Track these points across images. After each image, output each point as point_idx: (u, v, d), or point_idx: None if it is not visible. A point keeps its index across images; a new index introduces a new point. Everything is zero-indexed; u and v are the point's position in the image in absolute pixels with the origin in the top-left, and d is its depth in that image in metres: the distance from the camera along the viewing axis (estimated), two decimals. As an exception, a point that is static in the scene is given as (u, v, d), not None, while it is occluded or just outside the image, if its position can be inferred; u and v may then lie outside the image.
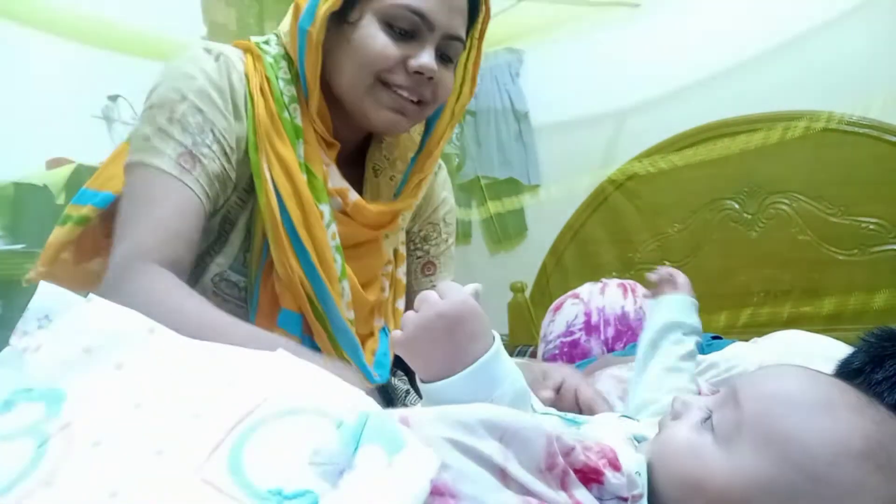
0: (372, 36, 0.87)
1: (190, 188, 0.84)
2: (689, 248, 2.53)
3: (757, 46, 2.45)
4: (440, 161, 1.15)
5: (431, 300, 0.57)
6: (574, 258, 2.71)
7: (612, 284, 1.75)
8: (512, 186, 2.92)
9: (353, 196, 0.96)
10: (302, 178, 0.90)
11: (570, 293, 1.79)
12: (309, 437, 0.42)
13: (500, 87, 2.87)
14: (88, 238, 0.94)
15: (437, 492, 0.41)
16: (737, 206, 2.46)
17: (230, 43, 0.96)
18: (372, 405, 0.47)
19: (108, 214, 0.91)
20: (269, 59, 0.92)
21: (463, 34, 0.93)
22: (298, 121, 0.91)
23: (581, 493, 0.48)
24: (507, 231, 3.00)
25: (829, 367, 0.93)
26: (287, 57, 0.93)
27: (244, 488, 0.40)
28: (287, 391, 0.46)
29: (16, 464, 0.42)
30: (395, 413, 0.47)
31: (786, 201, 2.39)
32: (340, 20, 0.89)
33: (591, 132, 2.77)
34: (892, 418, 0.53)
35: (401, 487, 0.40)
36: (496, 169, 2.92)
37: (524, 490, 0.45)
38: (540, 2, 2.38)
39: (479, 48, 1.00)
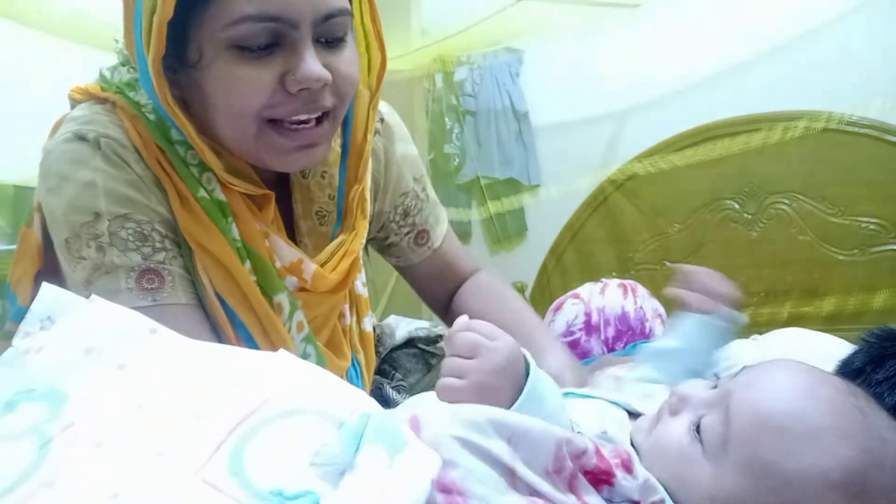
0: (229, 73, 0.66)
1: (169, 304, 0.71)
2: (689, 248, 2.53)
3: (757, 46, 2.45)
4: (381, 111, 0.94)
5: (488, 346, 0.58)
6: (574, 258, 2.71)
7: (613, 284, 1.75)
8: (512, 186, 2.91)
9: (310, 267, 0.79)
10: (247, 277, 0.73)
11: (570, 293, 1.79)
12: (310, 437, 0.42)
13: (499, 87, 2.87)
14: None
15: (444, 490, 0.41)
16: (737, 206, 2.46)
17: None
18: (373, 405, 0.47)
19: None
20: (151, 117, 0.73)
21: (340, 3, 0.70)
22: (218, 193, 0.73)
23: (591, 496, 0.48)
24: (507, 231, 2.99)
25: (830, 365, 0.93)
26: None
27: (245, 489, 0.40)
28: (288, 392, 0.46)
29: (18, 464, 0.42)
30: (406, 414, 0.47)
31: (786, 201, 2.39)
32: (181, 65, 0.69)
33: (591, 132, 2.76)
34: (888, 430, 0.54)
35: (402, 488, 0.40)
36: (496, 169, 2.91)
37: (531, 491, 0.45)
38: (540, 1, 2.38)
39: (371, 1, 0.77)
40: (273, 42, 0.67)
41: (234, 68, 0.66)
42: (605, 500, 0.49)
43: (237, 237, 0.74)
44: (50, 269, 0.79)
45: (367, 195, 0.89)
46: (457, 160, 2.98)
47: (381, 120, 0.95)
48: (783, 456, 0.52)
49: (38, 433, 0.43)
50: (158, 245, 0.71)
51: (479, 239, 3.07)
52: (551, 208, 2.80)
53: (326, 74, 0.68)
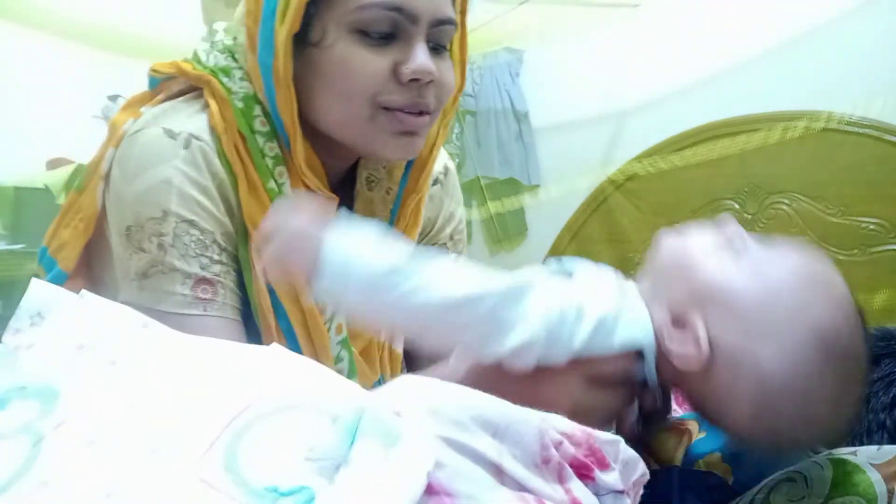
0: (350, 55, 0.70)
1: (218, 317, 0.72)
2: (689, 249, 2.52)
3: (757, 46, 2.45)
4: (447, 163, 0.97)
5: (284, 219, 0.55)
6: (574, 258, 2.71)
7: (612, 284, 1.75)
8: (512, 186, 2.92)
9: None
10: None
11: (569, 293, 1.79)
12: (304, 432, 0.42)
13: (499, 87, 2.87)
14: None
15: (431, 491, 0.41)
16: (737, 206, 2.46)
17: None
18: (368, 399, 0.46)
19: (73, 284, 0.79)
20: (239, 104, 0.75)
21: (452, 13, 0.74)
22: (287, 188, 0.76)
23: (577, 486, 0.48)
24: (507, 231, 3.00)
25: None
26: (257, 99, 0.75)
27: (240, 486, 0.40)
28: (281, 387, 0.46)
29: (10, 463, 0.42)
30: (388, 406, 0.46)
31: (786, 201, 2.39)
32: (303, 43, 0.71)
33: (590, 132, 2.77)
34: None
35: (397, 481, 0.40)
36: (496, 169, 2.92)
37: (520, 486, 0.45)
38: (540, 3, 2.38)
39: (463, 25, 0.80)
40: (391, 32, 0.71)
41: (354, 51, 0.70)
42: (593, 493, 0.49)
43: None
44: (99, 244, 0.80)
45: (422, 208, 0.90)
46: (457, 160, 2.98)
47: (446, 171, 0.98)
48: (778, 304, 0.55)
49: (31, 431, 0.43)
50: (216, 258, 0.73)
51: (479, 239, 3.07)
52: (551, 208, 2.80)
53: (435, 69, 0.72)
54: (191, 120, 0.75)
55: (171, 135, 0.73)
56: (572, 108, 2.80)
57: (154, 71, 0.83)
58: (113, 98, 2.52)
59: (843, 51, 2.34)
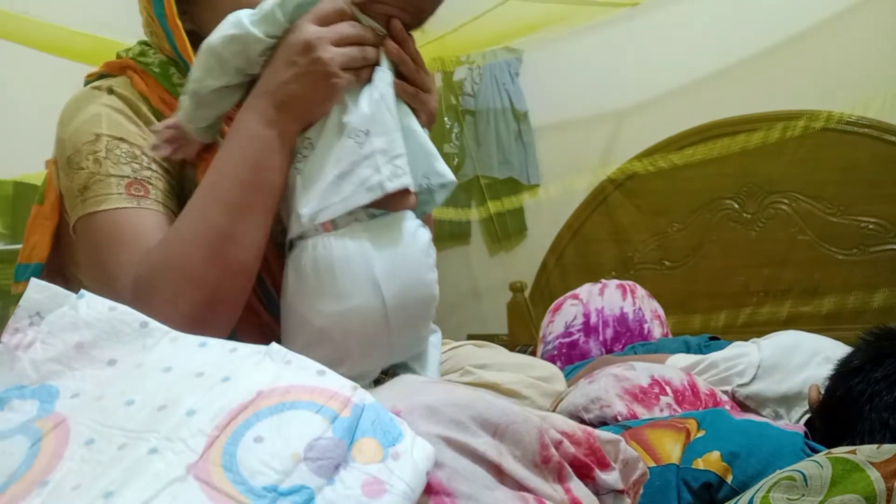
0: None
1: (153, 210, 0.80)
2: (689, 248, 2.52)
3: (757, 46, 2.45)
4: None
5: None
6: (574, 258, 2.71)
7: (612, 285, 1.75)
8: (511, 186, 2.91)
9: None
10: None
11: (569, 294, 1.79)
12: (303, 431, 0.42)
13: (499, 87, 2.87)
14: None
15: (431, 490, 0.41)
16: (736, 205, 2.46)
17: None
18: (366, 398, 0.46)
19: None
20: (156, 70, 0.88)
21: None
22: None
23: (577, 486, 0.48)
24: (506, 231, 2.99)
25: (829, 367, 0.93)
26: (172, 61, 0.88)
27: (239, 485, 0.40)
28: (280, 386, 0.46)
29: (9, 463, 0.42)
30: (387, 404, 0.46)
31: (785, 201, 2.39)
32: None
33: (590, 131, 2.76)
34: None
35: (397, 480, 0.40)
36: (495, 169, 2.91)
37: (519, 486, 0.45)
38: (538, 1, 2.38)
39: None
40: None
41: None
42: (592, 493, 0.49)
43: None
44: (64, 225, 0.88)
45: None
46: (456, 160, 2.98)
47: None
48: None
49: (29, 430, 0.43)
50: (146, 165, 0.83)
51: (479, 239, 3.07)
52: (551, 208, 2.79)
53: None
54: (111, 81, 0.88)
55: (96, 87, 0.87)
56: (572, 108, 2.79)
57: (88, 76, 0.93)
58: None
59: (842, 50, 2.34)
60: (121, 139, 0.82)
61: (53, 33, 1.98)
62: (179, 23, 0.84)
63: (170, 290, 0.72)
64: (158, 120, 0.85)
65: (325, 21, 0.74)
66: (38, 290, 0.49)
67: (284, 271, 0.78)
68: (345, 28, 0.75)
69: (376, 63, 0.77)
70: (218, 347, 0.50)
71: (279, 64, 0.74)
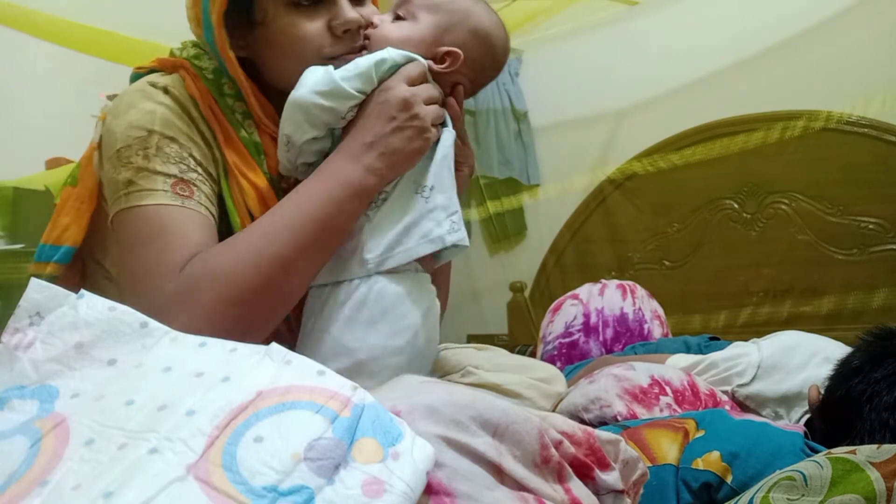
0: (290, 25, 0.85)
1: (197, 211, 0.82)
2: (689, 248, 2.52)
3: (757, 46, 2.45)
4: None
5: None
6: (573, 258, 2.71)
7: (612, 285, 1.75)
8: (511, 186, 2.91)
9: None
10: (273, 198, 0.88)
11: (569, 294, 1.79)
12: (303, 431, 0.42)
13: (499, 87, 2.87)
14: None
15: (431, 490, 0.41)
16: (736, 205, 2.46)
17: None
18: (366, 398, 0.46)
19: (72, 268, 0.91)
20: (209, 76, 0.90)
21: None
22: (256, 136, 0.90)
23: (577, 486, 0.48)
24: (506, 231, 2.99)
25: (829, 367, 0.93)
26: (223, 70, 0.91)
27: (239, 485, 0.40)
28: (280, 386, 0.46)
29: (9, 463, 0.42)
30: (387, 404, 0.46)
31: (785, 201, 2.39)
32: (251, 24, 0.87)
33: (590, 132, 2.76)
34: None
35: (397, 481, 0.40)
36: (495, 169, 2.91)
37: (520, 486, 0.45)
38: (539, 2, 2.38)
39: None
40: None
41: (292, 21, 0.85)
42: (592, 493, 0.49)
43: (266, 170, 0.90)
44: (99, 218, 0.91)
45: None
46: (456, 160, 2.98)
47: None
48: None
49: (29, 431, 0.43)
50: (193, 167, 0.85)
51: (479, 239, 3.07)
52: (551, 208, 2.79)
53: (360, 17, 0.87)
54: (166, 79, 0.90)
55: (153, 84, 0.88)
56: (571, 108, 2.79)
57: (137, 69, 0.95)
58: (112, 98, 2.51)
59: (842, 50, 2.34)
60: (172, 138, 0.84)
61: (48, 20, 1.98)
62: (232, 55, 0.87)
63: (211, 301, 0.74)
64: (204, 125, 0.88)
65: (414, 82, 0.83)
66: (39, 290, 0.49)
67: (321, 302, 0.83)
68: (430, 89, 0.84)
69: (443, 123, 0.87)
70: (218, 347, 0.50)
71: (377, 118, 0.82)
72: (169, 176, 0.82)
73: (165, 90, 0.88)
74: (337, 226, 0.80)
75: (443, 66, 0.86)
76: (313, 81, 0.82)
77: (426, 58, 0.86)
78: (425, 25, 0.86)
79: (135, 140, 0.83)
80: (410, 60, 0.84)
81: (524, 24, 2.53)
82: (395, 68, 0.84)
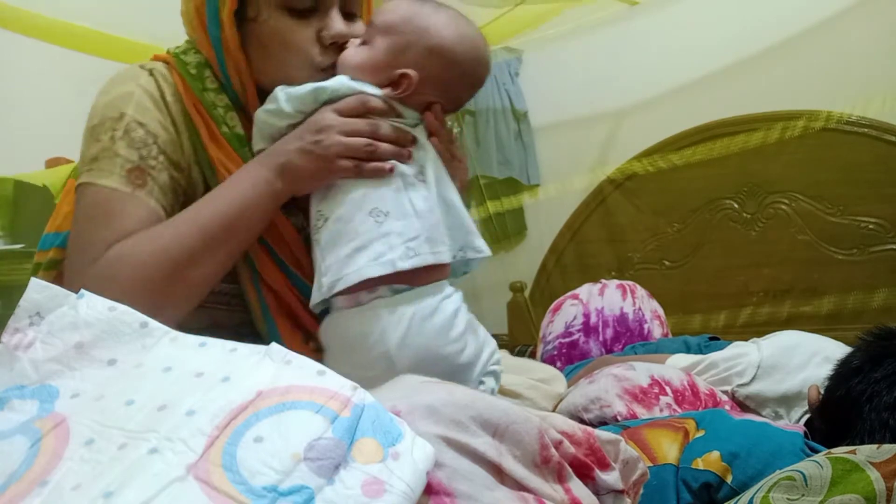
0: (281, 29, 0.87)
1: (143, 201, 0.85)
2: (689, 248, 2.52)
3: (757, 46, 2.45)
4: None
5: None
6: (573, 258, 2.71)
7: (612, 286, 1.75)
8: (511, 186, 2.91)
9: None
10: None
11: (569, 294, 1.79)
12: (303, 431, 0.42)
13: (499, 87, 2.86)
14: (62, 280, 0.93)
15: (431, 490, 0.41)
16: (736, 205, 2.46)
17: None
18: (366, 398, 0.46)
19: None
20: (193, 71, 0.93)
21: None
22: (239, 129, 0.92)
23: (577, 486, 0.48)
24: (506, 231, 2.99)
25: (829, 367, 0.93)
26: (208, 63, 0.93)
27: (239, 485, 0.40)
28: (280, 386, 0.46)
29: (9, 463, 0.42)
30: (387, 404, 0.46)
31: (785, 201, 2.39)
32: (242, 19, 0.89)
33: (590, 131, 2.76)
34: None
35: (397, 480, 0.40)
36: (495, 169, 2.91)
37: (520, 486, 0.45)
38: (538, 2, 2.37)
39: None
40: (312, 6, 0.88)
41: (284, 24, 0.87)
42: (592, 493, 0.49)
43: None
44: None
45: None
46: (456, 160, 2.98)
47: None
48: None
49: (29, 430, 0.43)
50: (154, 154, 0.87)
51: (479, 239, 3.07)
52: (550, 208, 2.79)
53: (349, 32, 0.89)
54: (155, 64, 0.94)
55: (140, 66, 0.92)
56: (571, 108, 2.79)
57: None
58: (112, 98, 2.50)
59: (842, 51, 2.34)
60: (141, 123, 0.87)
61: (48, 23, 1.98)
62: (241, 56, 0.90)
63: (128, 284, 0.79)
64: (182, 115, 0.90)
65: (344, 113, 0.85)
66: (38, 290, 0.49)
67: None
68: (358, 123, 0.85)
69: (393, 157, 0.86)
70: (218, 347, 0.50)
71: (292, 135, 0.86)
72: (128, 161, 0.85)
73: (151, 72, 0.91)
74: (239, 226, 0.84)
75: (398, 90, 0.86)
76: (270, 98, 0.87)
77: (385, 82, 0.86)
78: (378, 50, 0.87)
79: (108, 119, 0.87)
80: (355, 93, 0.86)
81: (525, 29, 2.54)
82: (338, 97, 0.86)
